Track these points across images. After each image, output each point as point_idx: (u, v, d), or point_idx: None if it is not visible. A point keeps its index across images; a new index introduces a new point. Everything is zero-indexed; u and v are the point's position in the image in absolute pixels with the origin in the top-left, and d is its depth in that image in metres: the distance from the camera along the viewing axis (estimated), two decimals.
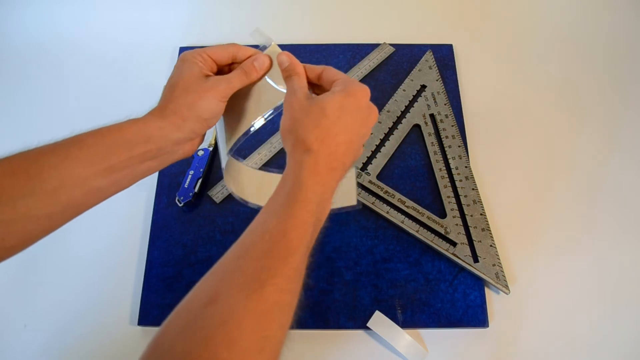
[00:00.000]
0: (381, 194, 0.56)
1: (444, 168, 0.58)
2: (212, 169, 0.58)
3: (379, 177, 0.57)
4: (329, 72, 0.39)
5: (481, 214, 0.55)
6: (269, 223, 0.32)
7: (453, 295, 0.52)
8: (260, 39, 0.41)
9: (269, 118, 0.42)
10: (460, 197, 0.56)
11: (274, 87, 0.41)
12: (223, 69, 0.42)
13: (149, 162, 0.37)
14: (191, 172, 0.57)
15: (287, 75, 0.39)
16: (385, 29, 0.70)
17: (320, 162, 0.35)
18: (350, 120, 0.36)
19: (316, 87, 0.41)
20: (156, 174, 0.58)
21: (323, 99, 0.36)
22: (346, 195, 0.46)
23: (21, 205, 0.30)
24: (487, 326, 0.51)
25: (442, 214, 0.55)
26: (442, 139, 0.59)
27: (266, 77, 0.41)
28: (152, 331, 0.51)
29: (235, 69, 0.40)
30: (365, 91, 0.38)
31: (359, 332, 0.51)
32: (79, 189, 0.33)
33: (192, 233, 0.55)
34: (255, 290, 0.29)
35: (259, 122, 0.41)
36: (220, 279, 0.30)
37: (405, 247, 0.54)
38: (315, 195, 0.34)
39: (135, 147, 0.35)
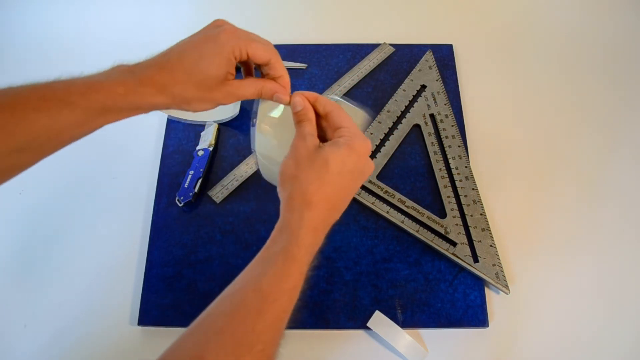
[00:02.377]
0: (381, 194, 0.56)
1: (444, 168, 0.58)
2: (212, 169, 0.58)
3: (379, 177, 0.57)
4: (337, 116, 0.38)
5: (481, 214, 0.55)
6: (264, 281, 0.31)
7: (453, 295, 0.52)
8: None
9: None
10: (460, 197, 0.56)
11: None
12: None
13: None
14: (191, 172, 0.57)
15: (299, 120, 0.38)
16: (385, 29, 0.70)
17: (320, 217, 0.34)
18: (349, 177, 0.36)
19: (318, 117, 0.40)
20: (156, 174, 0.58)
21: (328, 152, 0.35)
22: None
23: (11, 159, 0.32)
24: (487, 326, 0.51)
25: (442, 214, 0.55)
26: (442, 139, 0.59)
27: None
28: (152, 331, 0.51)
29: (253, 85, 0.39)
30: (367, 147, 0.37)
31: (359, 332, 0.51)
32: (62, 144, 0.34)
33: (192, 233, 0.55)
34: (243, 355, 0.28)
35: None
36: (208, 338, 0.29)
37: (405, 247, 0.54)
38: (309, 256, 0.34)
39: (124, 115, 0.36)
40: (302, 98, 0.38)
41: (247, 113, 0.62)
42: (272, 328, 0.30)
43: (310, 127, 0.38)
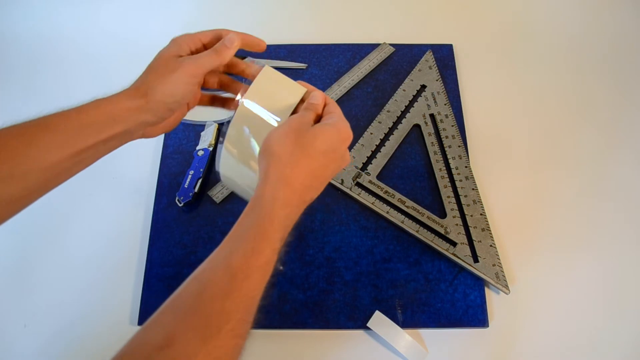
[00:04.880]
0: (381, 194, 0.56)
1: (444, 168, 0.58)
2: (212, 169, 0.58)
3: (379, 177, 0.57)
4: (331, 106, 0.40)
5: (481, 214, 0.55)
6: (234, 258, 0.31)
7: (453, 295, 0.52)
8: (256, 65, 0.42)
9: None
10: (460, 197, 0.56)
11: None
12: None
13: (113, 142, 0.37)
14: (191, 172, 0.57)
15: (308, 109, 0.39)
16: (385, 29, 0.70)
17: (296, 193, 0.34)
18: (331, 156, 0.36)
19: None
20: (156, 175, 0.58)
21: (316, 129, 0.36)
22: None
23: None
24: (487, 326, 0.51)
25: (442, 214, 0.55)
26: (442, 139, 0.59)
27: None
28: None
29: (207, 50, 0.40)
30: (349, 133, 0.38)
31: (359, 332, 0.51)
32: (47, 173, 0.33)
33: (192, 233, 0.55)
34: (212, 336, 0.28)
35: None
36: (177, 319, 0.28)
37: (405, 247, 0.54)
38: (283, 231, 0.33)
39: (103, 131, 0.35)
40: (323, 99, 0.40)
41: None
42: (242, 306, 0.30)
43: (314, 115, 0.39)
